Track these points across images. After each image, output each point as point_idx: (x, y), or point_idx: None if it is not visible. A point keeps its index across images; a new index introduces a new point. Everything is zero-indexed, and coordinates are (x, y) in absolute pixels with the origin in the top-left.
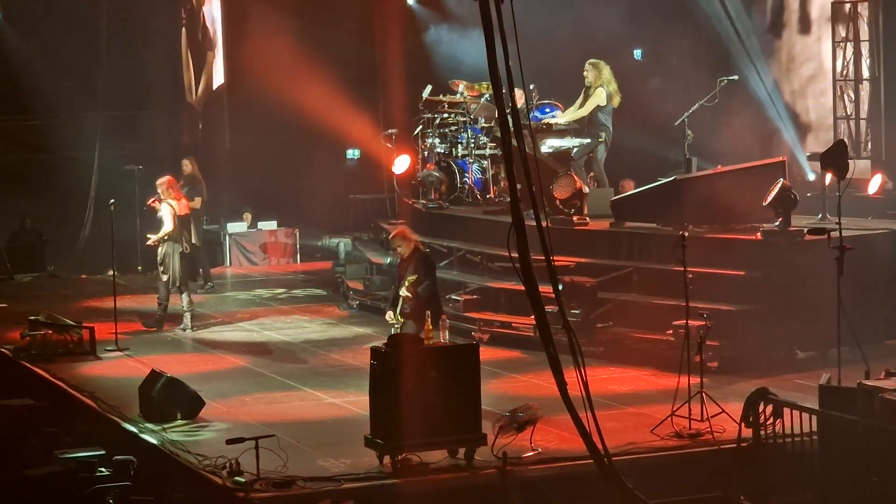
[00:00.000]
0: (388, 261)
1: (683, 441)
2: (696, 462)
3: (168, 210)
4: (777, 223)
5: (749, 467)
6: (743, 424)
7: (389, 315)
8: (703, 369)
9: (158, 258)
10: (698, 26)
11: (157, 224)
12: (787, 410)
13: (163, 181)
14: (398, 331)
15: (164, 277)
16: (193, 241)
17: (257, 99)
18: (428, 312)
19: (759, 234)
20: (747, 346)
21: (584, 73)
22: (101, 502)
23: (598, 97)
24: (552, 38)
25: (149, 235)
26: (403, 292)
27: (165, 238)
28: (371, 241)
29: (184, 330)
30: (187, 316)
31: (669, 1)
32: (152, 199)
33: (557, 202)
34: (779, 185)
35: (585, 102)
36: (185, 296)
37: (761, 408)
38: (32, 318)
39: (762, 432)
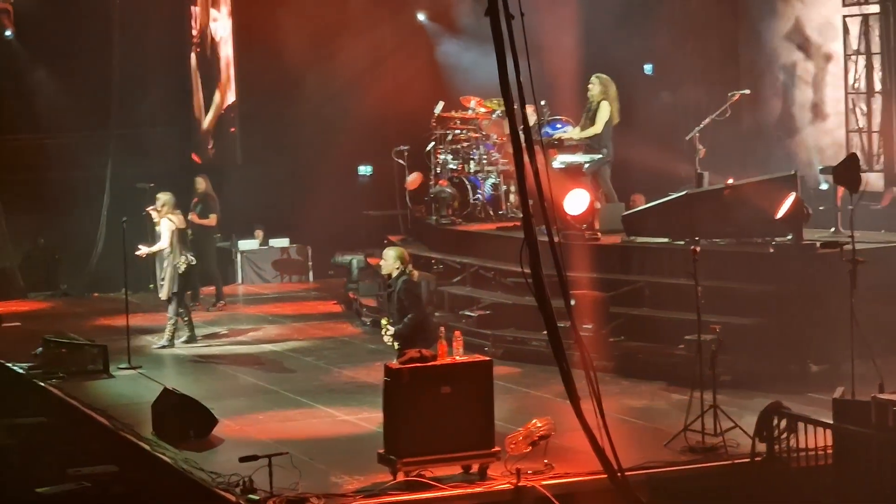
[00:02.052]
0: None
1: (697, 456)
2: (709, 477)
3: (168, 226)
4: (789, 237)
5: (763, 482)
6: (757, 439)
7: (387, 337)
8: (715, 383)
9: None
10: (709, 40)
11: (152, 236)
12: (801, 424)
13: (165, 197)
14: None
15: (161, 294)
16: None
17: (269, 116)
18: (442, 330)
19: (771, 247)
20: (760, 360)
21: (589, 87)
22: None
23: (605, 112)
24: (563, 53)
25: (140, 247)
26: (387, 340)
27: (156, 253)
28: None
29: (162, 347)
30: (168, 328)
31: (680, 15)
32: (153, 208)
33: (569, 217)
34: (791, 199)
35: (592, 118)
36: (172, 307)
37: (775, 422)
38: (46, 336)
39: (776, 447)
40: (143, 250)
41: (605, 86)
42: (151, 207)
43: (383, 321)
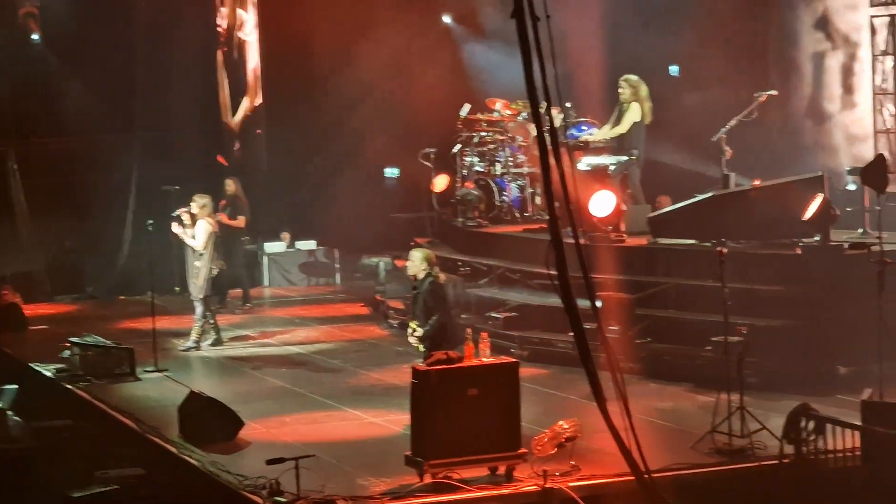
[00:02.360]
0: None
1: (724, 458)
2: (736, 479)
3: (205, 228)
4: (817, 238)
5: (791, 484)
6: (784, 441)
7: (412, 339)
8: (742, 385)
9: (197, 275)
10: (736, 41)
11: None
12: (828, 426)
13: (203, 199)
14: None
15: (193, 292)
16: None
17: (295, 118)
18: (469, 331)
19: (798, 249)
20: (787, 361)
21: (620, 90)
22: None
23: (634, 113)
24: (589, 56)
25: (176, 231)
26: (412, 340)
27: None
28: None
29: (188, 349)
30: (195, 329)
31: (706, 16)
32: (184, 210)
33: (595, 219)
34: (818, 200)
35: (620, 119)
36: (200, 309)
37: (803, 424)
38: (72, 339)
39: (804, 448)
40: (179, 230)
41: (635, 87)
42: (184, 209)
43: (411, 324)
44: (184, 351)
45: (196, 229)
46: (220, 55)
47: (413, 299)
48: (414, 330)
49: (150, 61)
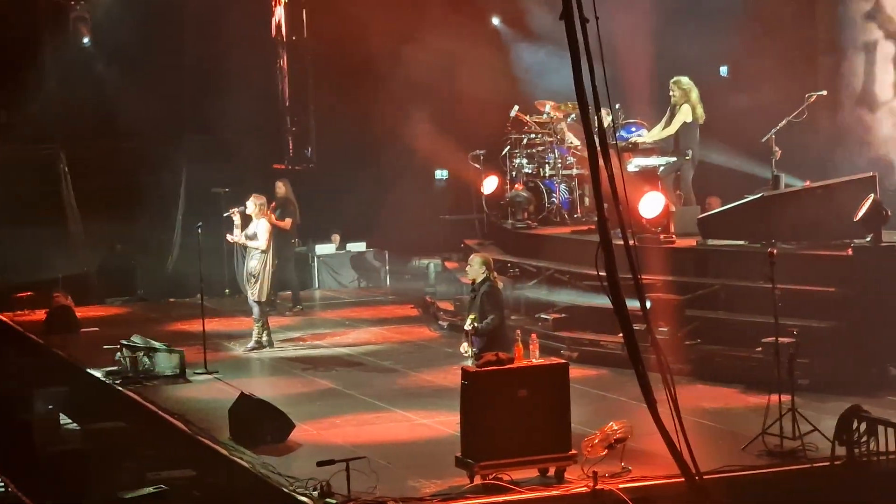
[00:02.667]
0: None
1: (775, 459)
2: (788, 481)
3: (266, 227)
4: (868, 239)
5: (843, 486)
6: (836, 442)
7: (464, 346)
8: (793, 387)
9: (250, 272)
10: (786, 41)
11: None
12: (880, 428)
13: (262, 200)
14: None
15: (253, 293)
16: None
17: (344, 121)
18: (518, 333)
19: (849, 249)
20: (839, 363)
21: (671, 93)
22: None
23: (684, 114)
24: (638, 56)
25: (231, 237)
26: (467, 327)
27: (259, 252)
28: (461, 262)
29: (252, 349)
30: (256, 329)
31: (756, 16)
32: (235, 210)
33: (644, 221)
34: (870, 201)
35: (671, 121)
36: (258, 309)
37: (855, 426)
38: (123, 341)
39: (856, 450)
40: (235, 237)
41: (685, 90)
42: (234, 210)
43: (469, 316)
44: (248, 350)
45: (257, 229)
46: (284, 58)
47: (470, 300)
48: (472, 321)
49: (199, 63)
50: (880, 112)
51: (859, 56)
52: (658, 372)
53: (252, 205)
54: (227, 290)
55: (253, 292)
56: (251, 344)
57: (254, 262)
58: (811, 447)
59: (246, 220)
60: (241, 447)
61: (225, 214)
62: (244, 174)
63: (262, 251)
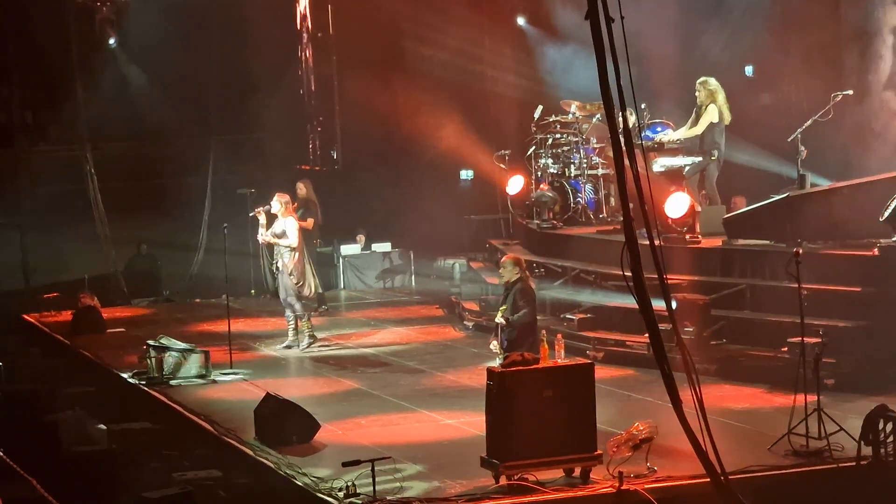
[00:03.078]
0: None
1: (801, 459)
2: (814, 481)
3: (294, 224)
4: (894, 238)
5: (869, 486)
6: (862, 442)
7: (493, 344)
8: (819, 387)
9: (291, 270)
10: (811, 41)
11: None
12: None
13: (285, 198)
14: (501, 360)
15: (306, 291)
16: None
17: (369, 121)
18: (543, 333)
19: (875, 249)
20: (865, 362)
21: (696, 93)
22: None
23: (711, 115)
24: (663, 56)
25: (266, 238)
26: (498, 319)
27: (289, 249)
28: (486, 262)
29: (308, 346)
30: (305, 327)
31: (780, 16)
32: (261, 209)
33: (670, 221)
34: None
35: (697, 121)
36: (300, 305)
37: (881, 426)
38: (149, 342)
39: (882, 450)
40: (264, 236)
41: (711, 91)
42: (259, 209)
43: (501, 308)
44: (304, 350)
45: (285, 226)
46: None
47: (503, 298)
48: (503, 312)
49: (225, 64)
50: None
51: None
52: (684, 372)
53: (277, 203)
54: (252, 291)
55: (295, 290)
56: (304, 343)
57: (285, 260)
58: (837, 447)
59: (270, 219)
60: (266, 447)
61: (250, 214)
62: (270, 175)
63: (293, 249)
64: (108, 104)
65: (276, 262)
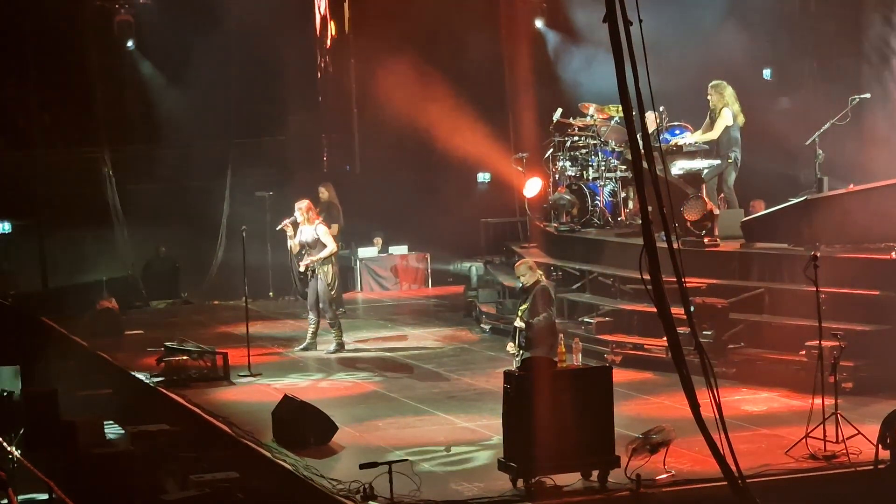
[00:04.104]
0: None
1: (819, 463)
2: (832, 484)
3: (325, 230)
4: None
5: (887, 489)
6: (880, 446)
7: (510, 346)
8: (837, 390)
9: (330, 280)
10: (829, 44)
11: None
12: None
13: (303, 204)
14: (518, 363)
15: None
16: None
17: (386, 124)
18: (561, 337)
19: (893, 253)
20: (883, 366)
21: (708, 97)
22: None
23: (725, 118)
24: (682, 59)
25: (305, 262)
26: (518, 323)
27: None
28: (503, 265)
29: (306, 350)
30: (336, 330)
31: (798, 19)
32: (287, 222)
33: (688, 224)
34: None
35: (712, 125)
36: (334, 313)
37: None
38: (168, 344)
39: None
40: (311, 259)
41: (720, 91)
42: (286, 222)
43: (519, 310)
44: (330, 353)
45: (318, 234)
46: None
47: (522, 300)
48: (522, 313)
49: (244, 68)
50: None
51: None
52: (702, 375)
53: (298, 212)
54: (271, 293)
55: (328, 297)
56: (334, 345)
57: (323, 266)
58: (854, 451)
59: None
60: (283, 449)
61: (277, 228)
62: (288, 178)
63: (331, 254)
64: (126, 106)
65: (312, 268)
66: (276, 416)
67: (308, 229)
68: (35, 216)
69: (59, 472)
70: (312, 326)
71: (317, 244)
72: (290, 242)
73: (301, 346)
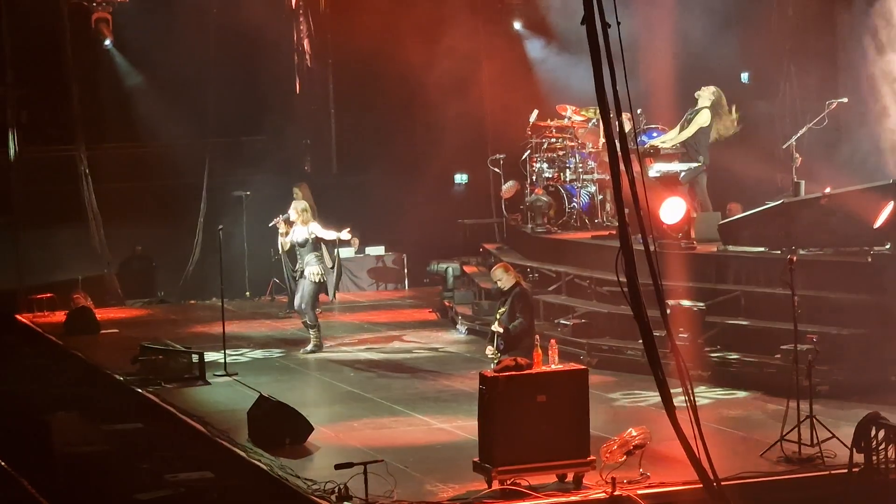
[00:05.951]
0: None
1: (793, 466)
2: (806, 487)
3: (319, 225)
4: (888, 246)
5: (861, 493)
6: (854, 449)
7: (489, 350)
8: (812, 394)
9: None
10: (807, 49)
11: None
12: None
13: (301, 205)
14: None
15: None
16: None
17: (364, 124)
18: (537, 338)
19: (869, 257)
20: (857, 370)
21: (696, 96)
22: None
23: (702, 118)
24: (659, 61)
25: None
26: (495, 327)
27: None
28: (480, 266)
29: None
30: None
31: (777, 23)
32: (280, 219)
33: (665, 226)
34: (889, 208)
35: (687, 125)
36: (314, 315)
37: (873, 433)
38: (143, 343)
39: (874, 458)
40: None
41: (708, 97)
42: (278, 219)
43: (497, 313)
44: (303, 353)
45: (314, 232)
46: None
47: (500, 303)
48: (499, 317)
49: (222, 67)
50: None
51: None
52: (678, 378)
53: (293, 211)
54: (247, 293)
55: (312, 300)
56: (311, 346)
57: (313, 268)
58: (829, 454)
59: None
60: (259, 449)
61: (270, 224)
62: (265, 178)
63: (322, 254)
64: (103, 104)
65: (302, 269)
66: (252, 415)
67: (301, 230)
68: (11, 214)
69: (33, 472)
70: (314, 327)
71: (307, 244)
72: (280, 240)
73: (308, 349)
